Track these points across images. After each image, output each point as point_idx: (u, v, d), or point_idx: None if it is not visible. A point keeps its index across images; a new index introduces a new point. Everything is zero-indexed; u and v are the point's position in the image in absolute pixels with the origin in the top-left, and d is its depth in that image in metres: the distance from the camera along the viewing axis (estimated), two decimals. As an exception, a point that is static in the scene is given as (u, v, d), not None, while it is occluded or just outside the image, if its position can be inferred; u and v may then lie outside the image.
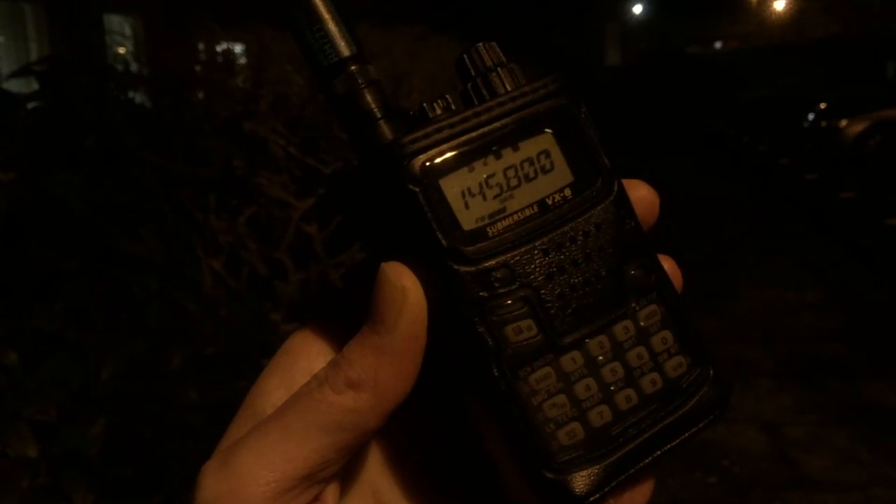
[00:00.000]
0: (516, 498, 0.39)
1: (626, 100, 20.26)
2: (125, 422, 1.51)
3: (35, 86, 2.13)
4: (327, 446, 0.36)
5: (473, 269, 0.36)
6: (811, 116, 10.83)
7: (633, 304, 0.39)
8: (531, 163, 0.38)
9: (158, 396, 1.61)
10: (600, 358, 0.38)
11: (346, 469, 0.39)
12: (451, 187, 0.37)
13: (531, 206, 0.38)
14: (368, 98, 0.38)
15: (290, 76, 2.58)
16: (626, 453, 0.38)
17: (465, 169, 0.37)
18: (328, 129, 2.55)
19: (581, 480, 0.37)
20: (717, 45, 32.44)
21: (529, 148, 0.38)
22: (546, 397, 0.37)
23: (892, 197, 7.48)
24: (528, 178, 0.38)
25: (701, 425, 0.40)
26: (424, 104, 0.38)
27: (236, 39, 3.13)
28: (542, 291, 0.37)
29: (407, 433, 0.41)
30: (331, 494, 0.38)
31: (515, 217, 0.38)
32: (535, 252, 0.38)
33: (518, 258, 0.37)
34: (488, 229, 0.37)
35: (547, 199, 0.38)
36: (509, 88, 0.39)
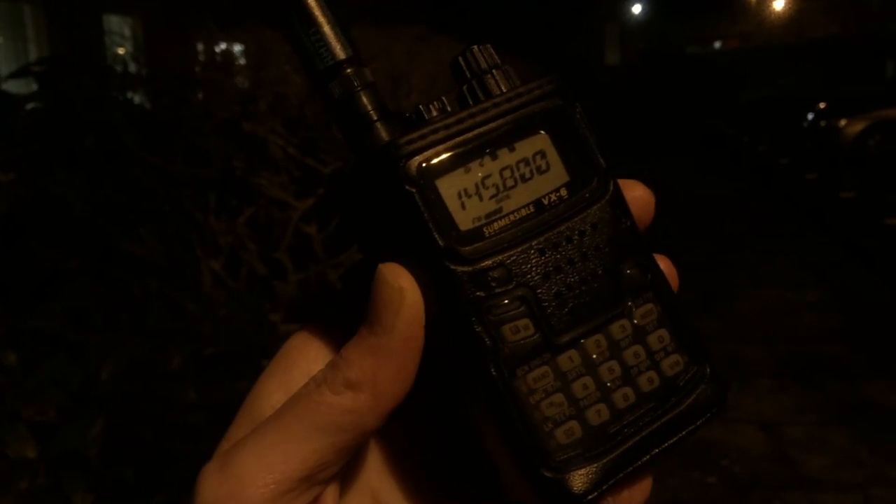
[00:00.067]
0: (515, 497, 0.39)
1: (625, 100, 20.27)
2: (125, 422, 1.51)
3: (34, 86, 2.13)
4: (326, 447, 0.36)
5: (470, 269, 0.37)
6: (811, 116, 10.84)
7: (630, 303, 0.39)
8: (527, 163, 0.39)
9: (158, 396, 1.61)
10: (597, 357, 0.38)
11: (345, 470, 0.39)
12: (448, 188, 0.37)
13: (527, 206, 0.38)
14: (364, 100, 0.38)
15: (289, 76, 2.58)
16: (623, 451, 0.38)
17: (462, 170, 0.37)
18: (327, 130, 2.55)
19: (579, 479, 0.37)
20: (717, 44, 32.45)
21: (525, 148, 0.39)
22: (544, 396, 0.37)
23: (891, 196, 7.48)
24: (524, 179, 0.38)
25: (698, 423, 0.40)
26: (420, 106, 0.38)
27: (235, 40, 3.13)
28: (539, 291, 0.38)
29: (406, 433, 0.41)
30: (330, 496, 0.38)
31: (512, 217, 0.38)
32: (532, 252, 0.38)
33: (514, 258, 0.37)
34: (485, 229, 0.37)
35: (543, 199, 0.39)
36: (504, 90, 0.39)
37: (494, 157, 0.38)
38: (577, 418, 0.37)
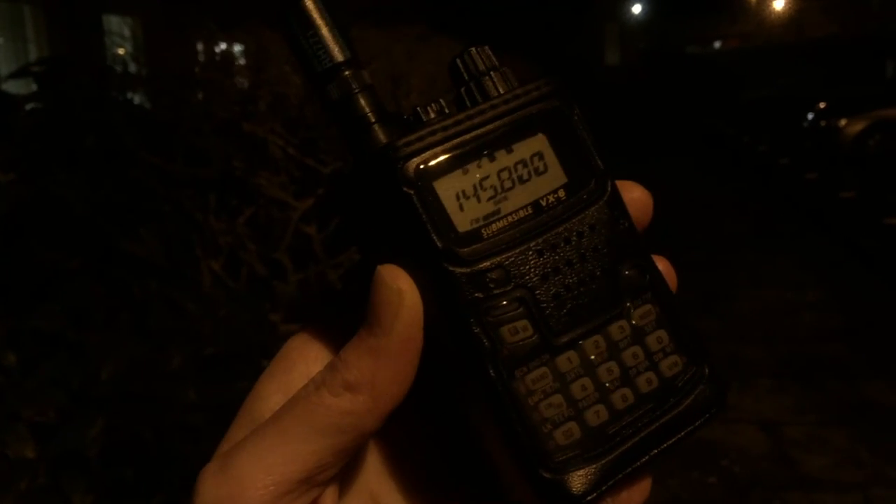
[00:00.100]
0: (514, 498, 0.39)
1: (625, 100, 20.26)
2: (125, 422, 1.51)
3: (34, 87, 2.13)
4: (325, 449, 0.36)
5: (468, 270, 0.37)
6: (811, 116, 10.84)
7: (628, 304, 0.40)
8: (525, 164, 0.39)
9: (158, 396, 1.61)
10: (596, 358, 0.38)
11: (344, 472, 0.39)
12: (446, 189, 0.37)
13: (525, 207, 0.38)
14: (362, 102, 0.39)
15: (289, 77, 2.58)
16: (622, 452, 0.38)
17: (460, 171, 0.37)
18: (327, 130, 2.55)
19: (578, 480, 0.37)
20: (717, 44, 32.45)
21: (523, 150, 0.39)
22: (542, 397, 0.37)
23: (891, 196, 7.48)
24: (521, 180, 0.39)
25: (697, 424, 0.40)
26: (418, 108, 0.38)
27: (235, 40, 3.13)
28: (537, 292, 0.38)
29: (405, 435, 0.41)
30: (329, 497, 0.38)
31: (510, 218, 0.38)
32: (530, 253, 0.38)
33: (513, 259, 0.37)
34: (483, 231, 0.37)
35: (541, 201, 0.39)
36: (502, 91, 0.39)
37: (492, 158, 0.38)
38: (575, 419, 0.37)
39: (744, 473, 3.24)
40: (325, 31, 0.38)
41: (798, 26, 25.21)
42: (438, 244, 0.36)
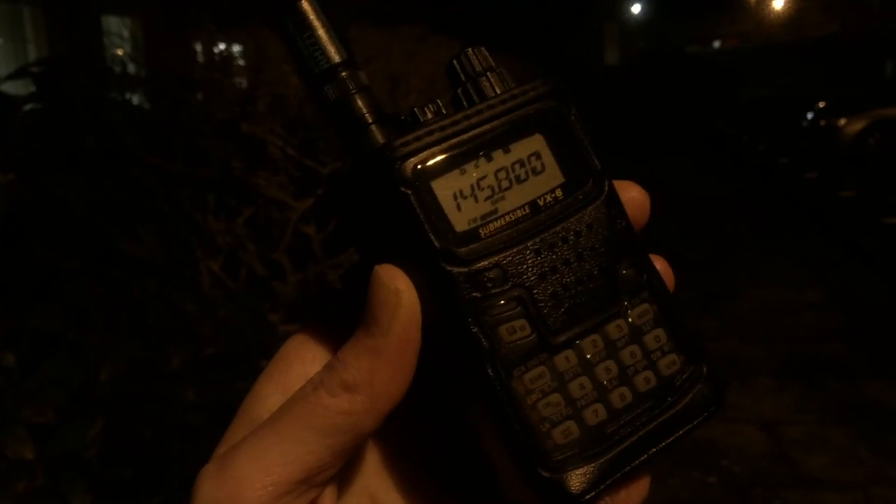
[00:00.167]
0: (513, 497, 0.39)
1: (625, 100, 20.27)
2: (124, 422, 1.51)
3: (33, 88, 2.13)
4: (324, 449, 0.36)
5: (466, 269, 0.37)
6: (810, 115, 10.85)
7: (626, 303, 0.40)
8: (522, 164, 0.39)
9: (157, 397, 1.61)
10: (594, 357, 0.38)
11: (343, 472, 0.39)
12: (443, 189, 0.37)
13: (523, 207, 0.38)
14: (360, 103, 0.39)
15: (288, 77, 2.58)
16: (620, 451, 0.38)
17: (457, 171, 0.37)
18: (326, 130, 2.55)
19: (576, 479, 0.37)
20: (716, 44, 32.47)
21: (520, 150, 0.39)
22: (541, 396, 0.37)
23: (891, 195, 7.49)
24: (519, 180, 0.39)
25: (695, 423, 0.40)
26: (415, 108, 0.38)
27: (234, 40, 3.13)
28: (535, 291, 0.38)
29: (403, 435, 0.41)
30: (328, 497, 0.38)
31: (507, 218, 0.38)
32: (528, 252, 0.38)
33: (510, 259, 0.38)
34: (480, 230, 0.37)
35: (538, 200, 0.39)
36: (499, 92, 0.39)
37: (490, 158, 0.38)
38: (574, 418, 0.37)
39: (744, 473, 3.24)
40: (321, 32, 0.38)
41: (798, 26, 25.23)
42: (436, 244, 0.36)
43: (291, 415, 0.37)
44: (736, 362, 4.23)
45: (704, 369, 0.40)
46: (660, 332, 0.40)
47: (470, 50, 0.40)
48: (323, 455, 0.36)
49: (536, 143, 0.39)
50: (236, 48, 3.16)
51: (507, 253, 0.38)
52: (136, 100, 2.80)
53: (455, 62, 0.40)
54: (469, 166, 0.38)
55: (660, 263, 0.42)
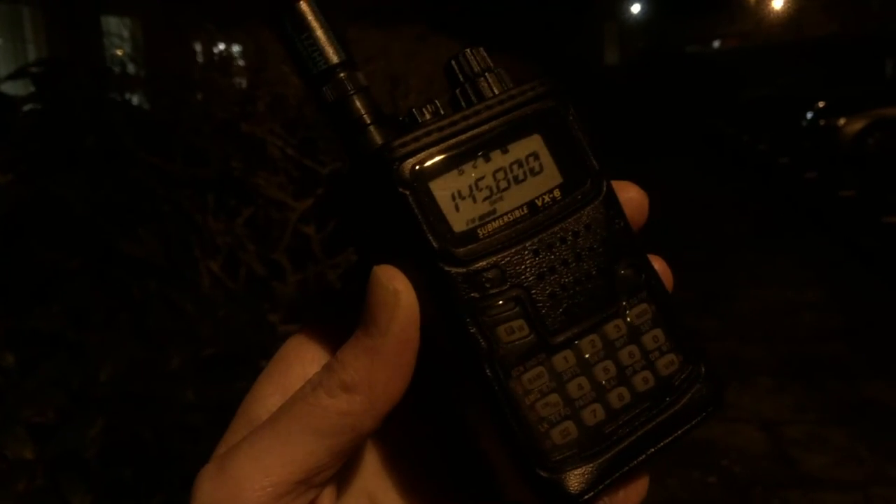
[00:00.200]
0: (512, 497, 0.39)
1: (625, 99, 20.26)
2: (124, 422, 1.51)
3: (32, 88, 2.13)
4: (322, 450, 0.36)
5: (464, 270, 0.37)
6: (810, 115, 10.85)
7: (624, 303, 0.40)
8: (520, 165, 0.39)
9: (157, 397, 1.61)
10: (592, 357, 0.38)
11: (342, 473, 0.39)
12: (441, 190, 0.37)
13: (521, 207, 0.38)
14: (358, 104, 0.39)
15: (288, 77, 2.58)
16: (619, 451, 0.38)
17: (455, 172, 0.38)
18: (326, 130, 2.55)
19: (575, 479, 0.37)
20: (716, 44, 32.47)
21: (518, 150, 0.39)
22: (539, 397, 0.37)
23: (890, 195, 7.49)
24: (517, 180, 0.39)
25: (694, 423, 0.40)
26: (413, 109, 0.39)
27: (233, 40, 3.13)
28: (533, 291, 0.38)
29: (402, 435, 0.41)
30: (327, 498, 0.39)
31: (505, 218, 0.38)
32: (526, 253, 0.38)
33: (508, 259, 0.38)
34: (479, 231, 0.37)
35: (536, 201, 0.39)
36: (497, 92, 0.39)
37: (488, 159, 0.38)
38: (572, 418, 0.37)
39: (744, 473, 3.24)
40: (319, 33, 0.39)
41: (797, 25, 25.23)
42: (434, 244, 0.36)
43: (290, 415, 0.37)
44: (736, 362, 4.23)
45: (703, 369, 0.40)
46: (658, 332, 0.40)
47: (468, 51, 0.40)
48: (322, 455, 0.36)
49: (534, 143, 0.39)
50: (236, 48, 3.16)
51: (506, 253, 0.38)
52: (135, 100, 2.80)
53: (453, 63, 0.40)
54: (467, 167, 0.38)
55: (658, 263, 0.42)
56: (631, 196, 0.42)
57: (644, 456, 0.38)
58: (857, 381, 4.04)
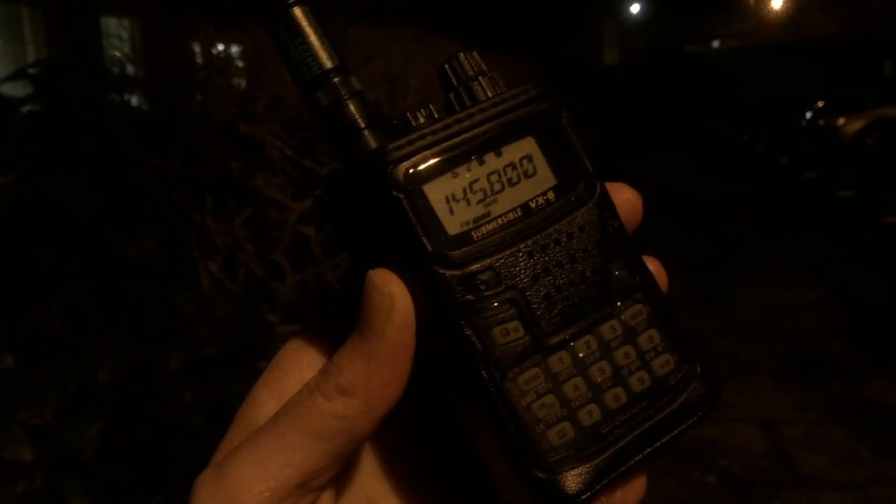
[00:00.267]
0: (509, 498, 0.39)
1: (625, 99, 20.26)
2: (123, 423, 1.51)
3: (31, 89, 2.13)
4: (320, 453, 0.36)
5: (459, 272, 0.37)
6: (809, 115, 10.86)
7: (619, 304, 0.40)
8: (514, 167, 0.39)
9: (156, 397, 1.61)
10: (588, 357, 0.38)
11: (340, 476, 0.39)
12: (436, 193, 0.37)
13: (515, 209, 0.39)
14: (352, 108, 0.39)
15: (286, 78, 2.58)
16: (616, 452, 0.38)
17: (449, 175, 0.38)
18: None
19: (572, 479, 0.37)
20: (715, 44, 32.50)
21: (512, 153, 0.39)
22: (535, 398, 0.37)
23: (890, 195, 7.50)
24: (511, 183, 0.39)
25: (690, 422, 0.40)
26: (408, 113, 0.39)
27: (232, 41, 3.13)
28: (528, 293, 0.38)
29: (399, 438, 0.41)
30: (325, 501, 0.38)
31: (499, 221, 0.38)
32: (520, 255, 0.38)
33: (503, 261, 0.38)
34: (473, 233, 0.37)
35: (530, 203, 0.39)
36: (490, 96, 0.40)
37: (482, 161, 0.38)
38: (568, 419, 0.37)
39: (743, 473, 3.24)
40: (313, 38, 0.39)
41: (797, 25, 25.24)
42: (429, 247, 0.36)
43: (288, 419, 0.37)
44: (736, 362, 4.23)
45: (698, 368, 0.40)
46: (653, 332, 0.40)
47: (461, 55, 0.40)
48: (319, 459, 0.36)
49: (528, 146, 0.39)
50: (235, 49, 3.16)
51: (500, 255, 0.38)
52: (134, 101, 2.80)
53: (447, 67, 0.40)
54: (461, 170, 0.38)
55: (653, 265, 0.42)
56: (625, 197, 0.42)
57: (641, 456, 0.38)
58: (857, 380, 4.04)
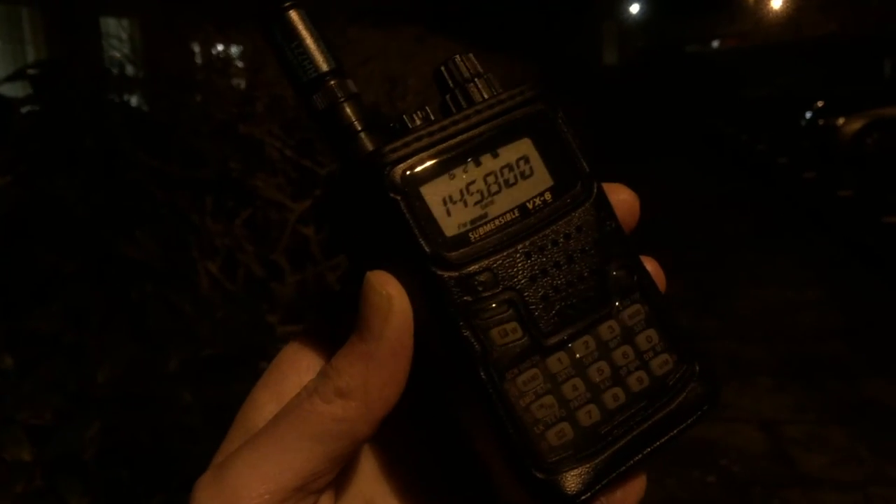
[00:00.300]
0: (508, 499, 0.39)
1: (625, 99, 20.27)
2: (122, 423, 1.51)
3: (30, 90, 2.13)
4: (319, 456, 0.36)
5: (457, 274, 0.37)
6: (809, 115, 10.87)
7: (617, 304, 0.40)
8: (511, 168, 0.39)
9: (156, 398, 1.61)
10: (586, 358, 0.38)
11: (339, 478, 0.39)
12: (433, 195, 0.37)
13: (512, 210, 0.39)
14: (348, 111, 0.39)
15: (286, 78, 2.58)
16: (615, 452, 0.38)
17: (446, 176, 0.38)
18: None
19: (571, 480, 0.37)
20: (715, 44, 32.51)
21: (509, 154, 0.39)
22: (534, 398, 0.37)
23: (889, 195, 7.50)
24: (508, 184, 0.39)
25: (689, 422, 0.40)
26: (404, 116, 0.39)
27: (232, 41, 3.13)
28: (526, 294, 0.38)
29: (398, 439, 0.41)
30: None
31: (497, 222, 0.38)
32: (518, 255, 0.38)
33: (501, 262, 0.38)
34: (470, 235, 0.37)
35: (527, 204, 0.39)
36: (486, 97, 0.40)
37: (478, 163, 0.38)
38: (567, 420, 0.37)
39: (743, 472, 3.24)
40: (309, 41, 0.39)
41: (796, 25, 25.25)
42: (426, 249, 0.36)
43: (286, 422, 0.37)
44: (736, 362, 4.23)
45: (697, 368, 0.40)
46: (651, 332, 0.40)
47: (458, 57, 0.40)
48: (319, 462, 0.36)
49: (524, 146, 0.39)
50: (234, 49, 3.16)
51: (498, 256, 0.38)
52: (134, 101, 2.80)
53: (443, 69, 0.40)
54: (458, 171, 0.38)
55: (651, 264, 0.42)
56: (622, 198, 0.42)
57: (640, 456, 0.38)
58: (857, 380, 4.04)
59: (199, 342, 1.80)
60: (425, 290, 0.37)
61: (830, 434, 3.51)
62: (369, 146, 0.38)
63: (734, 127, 13.59)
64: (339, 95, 0.39)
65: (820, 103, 10.74)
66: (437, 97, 0.40)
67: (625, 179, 0.43)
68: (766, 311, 5.13)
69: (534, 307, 0.38)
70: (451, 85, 0.40)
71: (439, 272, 0.36)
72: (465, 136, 0.38)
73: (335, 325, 0.39)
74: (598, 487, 0.37)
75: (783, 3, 28.58)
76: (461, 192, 0.38)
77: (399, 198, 0.36)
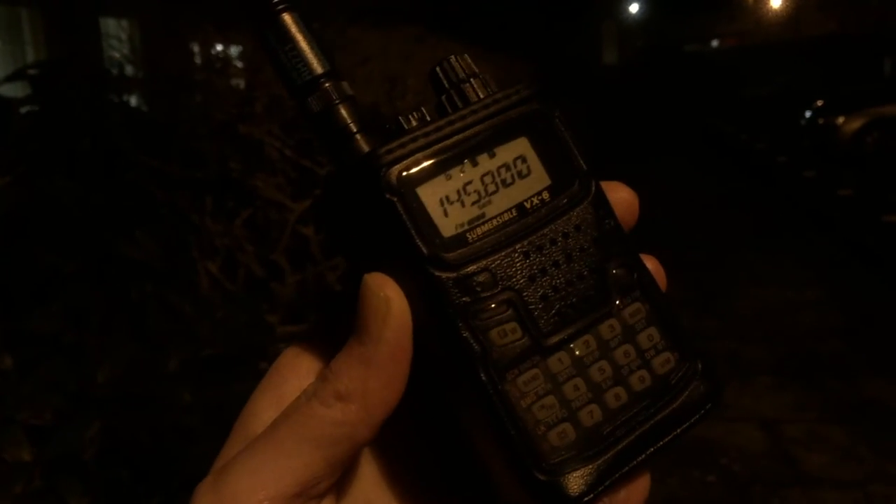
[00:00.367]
0: (510, 501, 0.39)
1: (624, 99, 20.26)
2: (122, 424, 1.51)
3: (30, 90, 2.13)
4: (318, 461, 0.36)
5: (455, 274, 0.37)
6: (808, 114, 10.87)
7: (617, 303, 0.39)
8: (508, 168, 0.39)
9: (155, 398, 1.61)
10: (587, 357, 0.38)
11: (340, 482, 0.39)
12: (430, 195, 0.37)
13: (510, 210, 0.38)
14: (343, 113, 0.39)
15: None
16: (618, 452, 0.37)
17: (443, 177, 0.37)
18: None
19: (574, 481, 0.36)
20: (715, 43, 32.52)
21: (505, 153, 0.39)
22: (535, 399, 0.37)
23: (889, 194, 7.50)
24: (505, 184, 0.39)
25: (692, 420, 0.39)
26: (400, 117, 0.38)
27: (231, 41, 3.13)
28: (525, 294, 0.38)
29: (399, 442, 0.41)
30: None
31: (494, 222, 0.38)
32: (516, 255, 0.38)
33: (499, 262, 0.37)
34: (468, 235, 0.37)
35: (525, 203, 0.39)
36: (482, 97, 0.39)
37: (475, 163, 0.38)
38: (569, 420, 0.37)
39: (743, 472, 3.24)
40: (303, 44, 0.39)
41: (796, 24, 25.26)
42: (424, 250, 0.36)
43: (286, 427, 0.36)
44: (736, 361, 4.23)
45: (699, 366, 0.40)
46: (653, 330, 0.40)
47: (453, 57, 0.40)
48: (318, 466, 0.36)
49: (521, 146, 0.39)
50: (234, 50, 3.16)
51: (496, 256, 0.37)
52: (133, 102, 2.80)
53: (438, 70, 0.40)
54: (454, 171, 0.38)
55: (651, 263, 0.42)
56: (621, 196, 0.42)
57: (643, 455, 0.38)
58: (857, 379, 4.04)
59: (199, 342, 1.80)
60: (423, 292, 0.36)
61: (830, 433, 3.51)
62: (365, 148, 0.38)
63: (734, 126, 13.59)
64: (334, 97, 0.39)
65: (820, 102, 10.75)
66: (435, 98, 0.40)
67: (624, 179, 0.43)
68: (766, 310, 5.13)
69: (533, 307, 0.38)
70: (447, 85, 0.40)
71: (437, 273, 0.36)
72: (461, 136, 0.38)
73: (335, 326, 0.39)
74: (601, 488, 0.37)
75: (783, 2, 28.59)
76: (458, 192, 0.37)
77: (395, 199, 0.36)
